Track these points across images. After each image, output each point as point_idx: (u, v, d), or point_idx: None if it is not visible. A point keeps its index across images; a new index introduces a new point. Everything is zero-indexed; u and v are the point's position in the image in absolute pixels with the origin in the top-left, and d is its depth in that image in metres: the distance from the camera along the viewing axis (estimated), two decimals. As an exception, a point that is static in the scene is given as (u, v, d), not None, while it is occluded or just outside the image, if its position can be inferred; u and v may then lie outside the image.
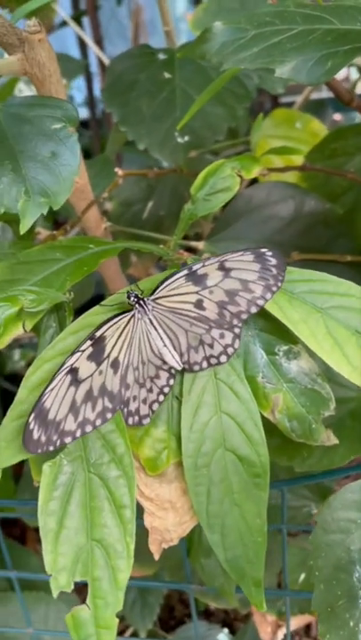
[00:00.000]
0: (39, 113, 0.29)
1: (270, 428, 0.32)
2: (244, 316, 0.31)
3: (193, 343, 0.31)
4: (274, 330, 0.32)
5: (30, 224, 0.26)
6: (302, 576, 0.66)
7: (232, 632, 0.84)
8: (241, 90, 0.51)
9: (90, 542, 0.28)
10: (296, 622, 0.71)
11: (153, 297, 0.32)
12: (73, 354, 0.29)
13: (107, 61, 0.77)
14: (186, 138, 0.49)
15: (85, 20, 1.19)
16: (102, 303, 0.33)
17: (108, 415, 0.30)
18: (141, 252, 0.66)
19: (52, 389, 0.29)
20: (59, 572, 0.27)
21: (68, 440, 0.29)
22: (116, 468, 0.30)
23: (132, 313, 0.31)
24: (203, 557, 0.52)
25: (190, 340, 0.31)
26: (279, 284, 0.30)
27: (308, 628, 0.91)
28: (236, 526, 0.30)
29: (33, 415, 0.28)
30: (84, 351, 0.30)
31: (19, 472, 0.81)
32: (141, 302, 0.31)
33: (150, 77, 0.52)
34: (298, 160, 0.58)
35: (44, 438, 0.28)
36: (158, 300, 0.32)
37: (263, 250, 0.30)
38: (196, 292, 0.31)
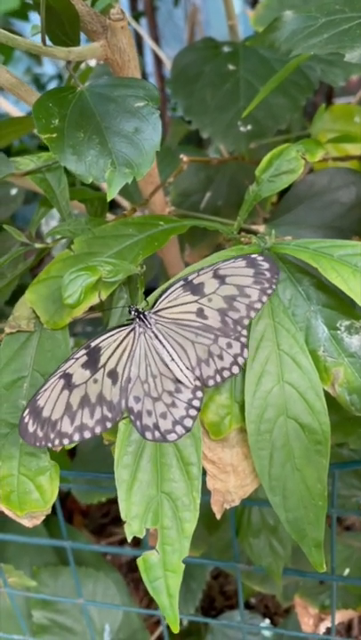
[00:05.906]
0: (123, 93, 0.31)
1: (328, 405, 0.33)
2: (245, 322, 0.31)
3: (202, 356, 0.31)
4: (336, 305, 0.33)
5: (116, 192, 0.28)
6: (347, 570, 0.66)
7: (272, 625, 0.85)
8: (304, 81, 0.52)
9: (160, 494, 0.30)
10: (339, 617, 0.71)
11: (154, 310, 0.32)
12: (67, 360, 0.30)
13: (164, 58, 0.79)
14: (249, 127, 0.51)
15: (143, 23, 1.23)
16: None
17: (108, 424, 0.30)
18: (196, 243, 0.67)
19: (45, 390, 0.30)
20: (132, 519, 0.29)
21: (66, 442, 0.30)
22: (183, 428, 0.31)
23: (132, 326, 0.32)
24: (251, 537, 0.53)
25: (199, 352, 0.31)
26: (274, 287, 0.31)
27: (349, 627, 0.90)
28: (298, 489, 0.31)
29: (28, 410, 0.30)
30: (78, 359, 0.31)
31: (73, 450, 0.84)
32: (142, 316, 0.32)
33: (215, 69, 0.54)
34: (356, 152, 0.59)
35: (40, 433, 0.30)
36: (160, 313, 0.32)
37: (254, 255, 0.32)
38: (196, 301, 0.32)
